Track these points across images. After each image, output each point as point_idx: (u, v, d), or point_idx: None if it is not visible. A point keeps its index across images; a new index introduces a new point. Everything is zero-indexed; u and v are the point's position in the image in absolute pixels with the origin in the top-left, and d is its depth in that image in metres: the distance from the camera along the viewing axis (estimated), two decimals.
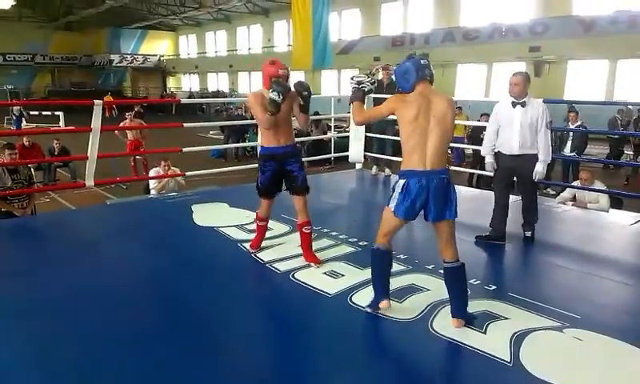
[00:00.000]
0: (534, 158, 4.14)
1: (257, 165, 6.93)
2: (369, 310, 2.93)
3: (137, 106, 11.96)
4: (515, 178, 4.37)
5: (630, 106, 12.65)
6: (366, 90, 2.98)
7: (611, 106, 13.09)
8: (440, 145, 2.70)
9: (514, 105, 4.11)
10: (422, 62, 2.80)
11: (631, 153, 12.46)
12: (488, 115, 10.72)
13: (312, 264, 3.61)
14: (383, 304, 2.88)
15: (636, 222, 4.95)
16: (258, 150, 3.83)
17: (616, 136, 12.19)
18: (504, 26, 18.69)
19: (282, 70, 3.47)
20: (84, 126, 5.39)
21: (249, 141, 12.86)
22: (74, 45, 36.87)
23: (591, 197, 5.84)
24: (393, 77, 7.03)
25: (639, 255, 4.39)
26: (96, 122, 5.18)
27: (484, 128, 9.41)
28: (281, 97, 3.27)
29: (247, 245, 3.99)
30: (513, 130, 4.10)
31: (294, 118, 3.69)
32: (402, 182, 2.73)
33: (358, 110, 2.97)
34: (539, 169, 4.12)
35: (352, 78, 3.04)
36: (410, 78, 2.77)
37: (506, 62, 19.29)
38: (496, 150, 4.31)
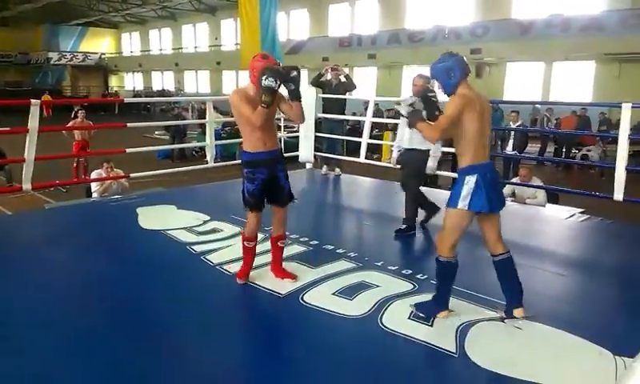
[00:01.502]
0: (421, 154, 4.43)
1: (205, 165, 6.83)
2: (421, 314, 2.88)
3: (77, 105, 11.50)
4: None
5: (538, 106, 13.56)
6: (421, 108, 2.89)
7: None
8: (490, 138, 2.87)
9: None
10: (464, 58, 2.84)
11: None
12: None
13: (288, 279, 3.35)
14: (444, 314, 2.88)
15: (571, 216, 5.23)
16: (237, 155, 3.56)
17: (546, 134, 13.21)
18: (447, 29, 19.26)
19: (274, 63, 3.17)
20: (20, 127, 5.14)
21: (197, 141, 12.64)
22: (8, 41, 34.80)
23: (529, 192, 6.12)
24: (342, 78, 7.24)
25: (574, 247, 4.65)
26: (33, 122, 4.95)
27: None
28: (277, 82, 2.96)
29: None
30: (405, 126, 4.37)
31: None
32: (473, 177, 2.70)
33: (428, 127, 2.80)
34: (431, 164, 4.48)
35: (399, 104, 3.00)
36: (455, 76, 2.76)
37: None
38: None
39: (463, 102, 2.70)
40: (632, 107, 4.64)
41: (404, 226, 4.47)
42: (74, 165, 9.75)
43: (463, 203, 2.71)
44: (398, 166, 4.73)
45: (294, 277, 3.38)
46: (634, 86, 13.78)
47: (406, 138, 4.41)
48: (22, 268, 3.64)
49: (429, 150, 4.39)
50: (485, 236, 2.89)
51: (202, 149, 10.58)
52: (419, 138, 4.12)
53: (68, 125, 9.22)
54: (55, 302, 3.08)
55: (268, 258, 3.74)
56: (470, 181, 2.70)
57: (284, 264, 3.57)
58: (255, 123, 3.06)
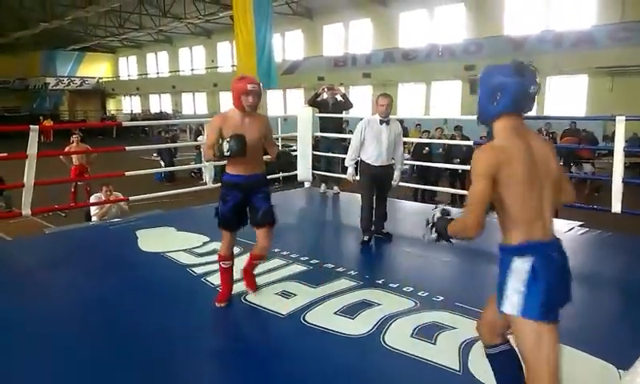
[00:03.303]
0: (392, 169, 4.78)
1: (203, 186, 6.83)
2: None
3: (76, 130, 11.60)
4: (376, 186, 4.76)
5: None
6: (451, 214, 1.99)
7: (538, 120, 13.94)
8: (554, 204, 1.92)
9: (381, 122, 4.59)
10: (531, 88, 1.84)
11: None
12: (429, 132, 11.09)
13: (248, 288, 3.47)
14: None
15: (570, 229, 5.24)
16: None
17: None
18: (440, 47, 19.49)
19: (250, 85, 3.12)
20: (18, 153, 5.16)
21: (195, 162, 12.66)
22: (5, 68, 34.96)
23: None
24: (338, 97, 7.30)
25: (574, 260, 4.56)
26: (32, 148, 4.97)
27: (426, 145, 9.81)
28: (229, 154, 3.02)
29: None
30: (382, 144, 4.59)
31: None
32: (524, 263, 1.79)
33: (463, 224, 1.84)
34: (398, 175, 4.84)
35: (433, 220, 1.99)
36: (501, 102, 1.85)
37: (444, 81, 20.12)
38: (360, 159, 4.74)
39: (488, 158, 1.81)
40: (626, 120, 4.69)
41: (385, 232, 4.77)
42: (72, 190, 9.74)
43: (516, 308, 1.82)
44: (357, 178, 4.94)
45: (254, 289, 3.48)
46: (626, 99, 13.89)
47: (384, 154, 4.61)
48: (23, 293, 3.62)
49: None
50: (487, 317, 2.05)
51: (200, 170, 10.60)
52: (390, 154, 4.66)
53: (65, 150, 9.24)
54: (56, 328, 3.06)
55: (267, 278, 3.76)
56: (519, 270, 1.81)
57: (283, 283, 3.60)
58: (204, 157, 3.22)
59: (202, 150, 7.14)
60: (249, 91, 3.11)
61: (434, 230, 1.95)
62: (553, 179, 1.87)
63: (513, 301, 1.80)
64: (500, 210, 1.86)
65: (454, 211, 2.00)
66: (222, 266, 3.38)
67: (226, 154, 3.02)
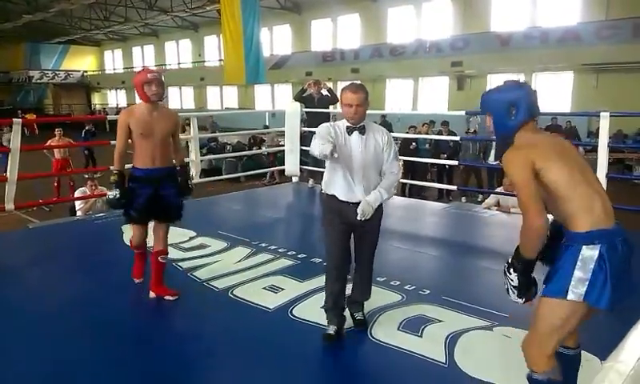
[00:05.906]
0: (380, 210, 3.02)
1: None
2: None
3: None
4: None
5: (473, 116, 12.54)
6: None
7: None
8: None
9: (349, 131, 2.85)
10: (535, 94, 2.03)
11: None
12: (415, 127, 11.14)
13: (168, 296, 3.31)
14: None
15: None
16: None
17: None
18: (428, 42, 19.56)
19: (150, 74, 3.14)
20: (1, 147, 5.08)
21: None
22: None
23: (514, 201, 6.20)
24: (323, 91, 7.28)
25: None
26: (15, 141, 4.90)
27: (413, 140, 9.85)
28: (109, 204, 3.35)
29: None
30: (354, 166, 2.86)
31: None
32: (589, 252, 1.78)
33: (526, 230, 1.97)
34: (374, 198, 2.87)
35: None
36: (519, 115, 1.96)
37: (431, 77, 20.22)
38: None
39: (524, 151, 1.92)
40: (610, 116, 4.75)
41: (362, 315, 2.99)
42: (55, 184, 9.62)
43: (574, 293, 1.80)
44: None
45: (175, 293, 3.32)
46: (611, 95, 14.07)
47: (361, 183, 2.81)
48: (5, 290, 3.57)
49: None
50: None
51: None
52: (373, 179, 2.88)
53: (47, 144, 9.13)
54: (39, 326, 3.03)
55: (255, 272, 3.75)
56: (587, 259, 1.79)
57: (271, 278, 3.59)
58: (115, 154, 3.27)
59: (188, 143, 7.07)
60: (150, 80, 3.08)
61: (519, 292, 2.02)
62: (587, 167, 1.95)
63: (578, 291, 1.79)
64: (555, 201, 1.90)
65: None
66: (136, 252, 3.52)
67: (108, 198, 3.29)
